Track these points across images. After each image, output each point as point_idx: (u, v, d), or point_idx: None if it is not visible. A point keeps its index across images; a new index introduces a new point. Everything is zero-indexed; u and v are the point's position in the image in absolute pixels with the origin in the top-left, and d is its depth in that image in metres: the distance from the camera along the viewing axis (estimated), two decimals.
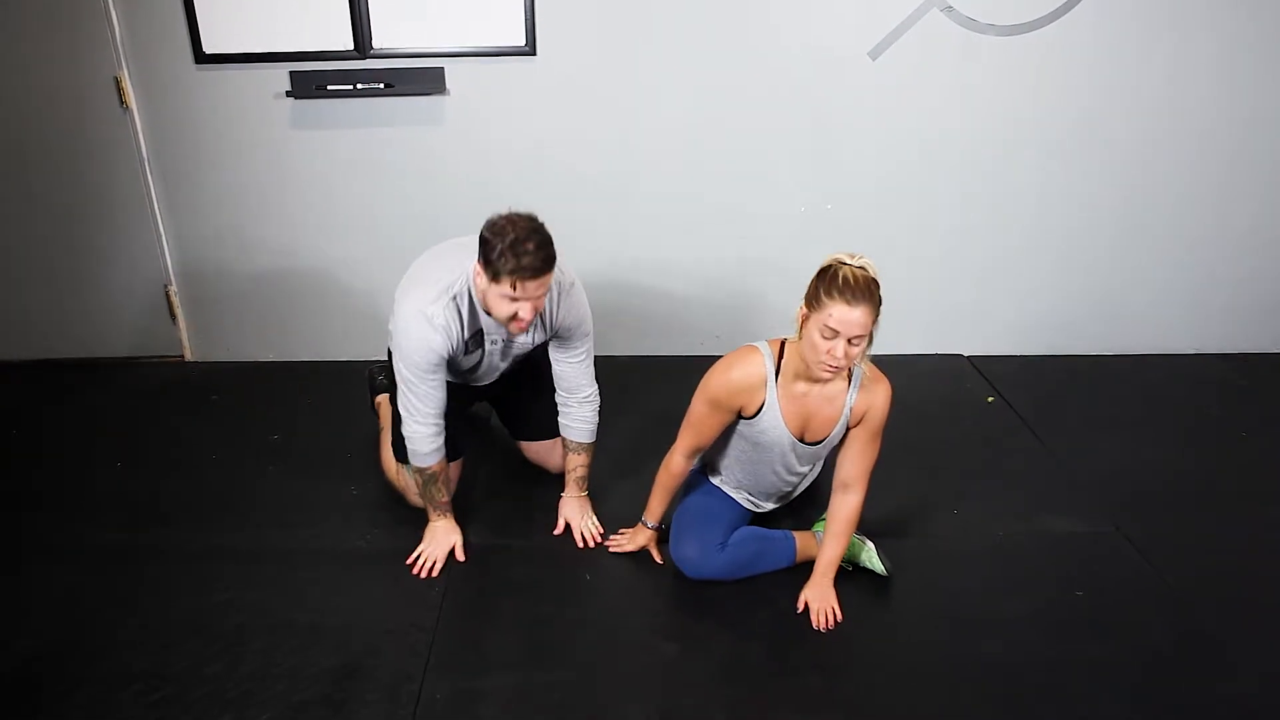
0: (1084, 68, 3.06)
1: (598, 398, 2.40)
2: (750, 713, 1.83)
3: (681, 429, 2.11)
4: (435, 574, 2.23)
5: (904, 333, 3.43)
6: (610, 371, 3.28)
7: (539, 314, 2.13)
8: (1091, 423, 2.98)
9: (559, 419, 2.42)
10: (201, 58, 2.95)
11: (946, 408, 3.08)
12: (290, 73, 2.97)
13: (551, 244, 1.97)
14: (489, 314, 2.08)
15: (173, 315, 3.35)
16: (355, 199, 3.19)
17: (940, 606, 2.11)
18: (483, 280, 2.01)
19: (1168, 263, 3.37)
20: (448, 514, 2.33)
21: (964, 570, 2.25)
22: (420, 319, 2.07)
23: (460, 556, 2.28)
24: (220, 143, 3.09)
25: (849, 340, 1.80)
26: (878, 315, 1.81)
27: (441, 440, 2.22)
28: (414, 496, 2.42)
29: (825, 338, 1.81)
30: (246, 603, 2.10)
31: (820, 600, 2.07)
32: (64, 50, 2.93)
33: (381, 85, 2.99)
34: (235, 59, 2.95)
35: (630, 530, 2.31)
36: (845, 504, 2.09)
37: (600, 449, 2.73)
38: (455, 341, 2.12)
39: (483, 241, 1.96)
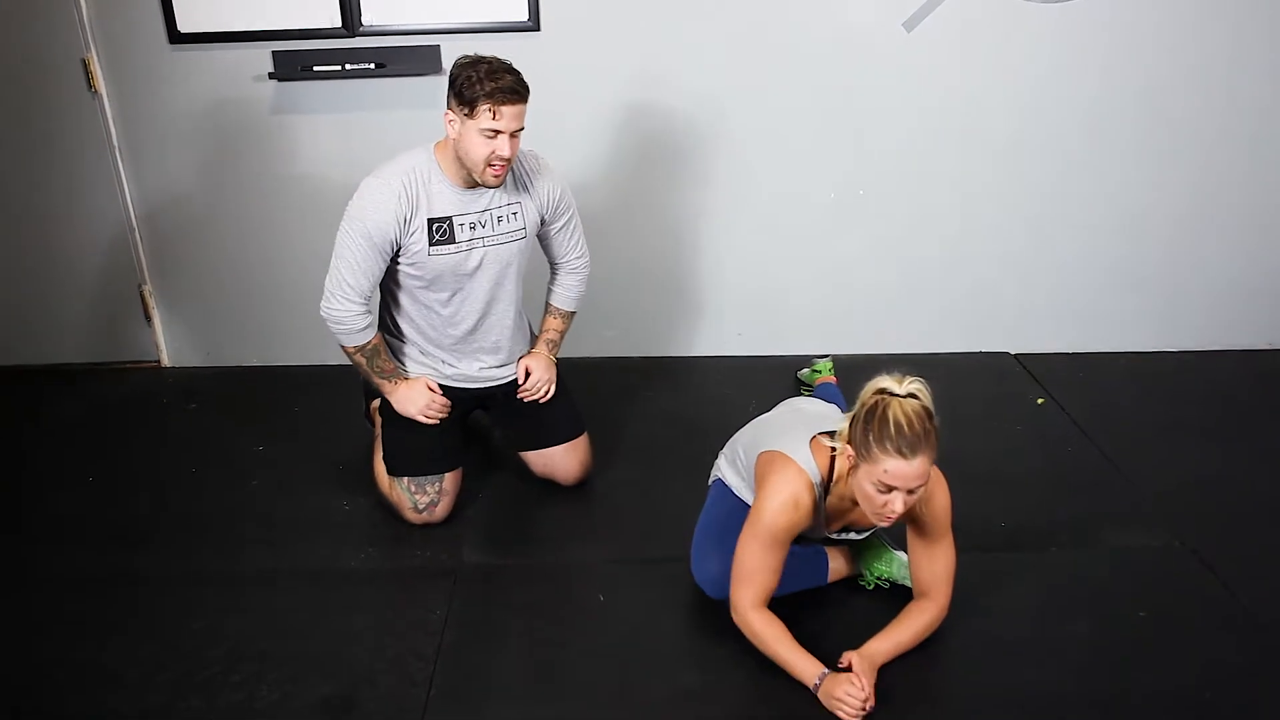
0: (1145, 38, 3.05)
1: (587, 267, 2.57)
2: None
3: (739, 583, 1.94)
4: (446, 412, 2.42)
5: (944, 329, 3.43)
6: (620, 374, 3.32)
7: (515, 169, 2.31)
8: (1153, 426, 2.97)
9: (549, 285, 2.54)
10: (176, 37, 2.97)
11: (992, 411, 3.07)
12: (272, 53, 2.99)
13: (523, 77, 2.13)
14: (464, 163, 2.18)
15: (147, 316, 3.38)
16: (344, 189, 3.19)
17: (986, 630, 2.11)
18: (456, 124, 2.14)
19: (1236, 248, 3.35)
20: (402, 376, 2.43)
21: (1013, 590, 2.24)
22: (372, 182, 2.23)
23: (436, 390, 2.42)
24: (197, 129, 3.11)
25: (908, 490, 1.77)
26: (937, 452, 1.77)
27: (372, 318, 2.33)
28: (409, 512, 2.44)
29: (880, 491, 1.78)
30: (229, 630, 2.11)
31: (853, 680, 1.87)
32: (26, 30, 2.95)
33: (372, 65, 3.01)
34: (212, 38, 2.98)
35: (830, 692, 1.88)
36: (921, 613, 2.00)
37: (613, 459, 2.75)
38: (409, 208, 2.21)
39: (453, 80, 2.11)
